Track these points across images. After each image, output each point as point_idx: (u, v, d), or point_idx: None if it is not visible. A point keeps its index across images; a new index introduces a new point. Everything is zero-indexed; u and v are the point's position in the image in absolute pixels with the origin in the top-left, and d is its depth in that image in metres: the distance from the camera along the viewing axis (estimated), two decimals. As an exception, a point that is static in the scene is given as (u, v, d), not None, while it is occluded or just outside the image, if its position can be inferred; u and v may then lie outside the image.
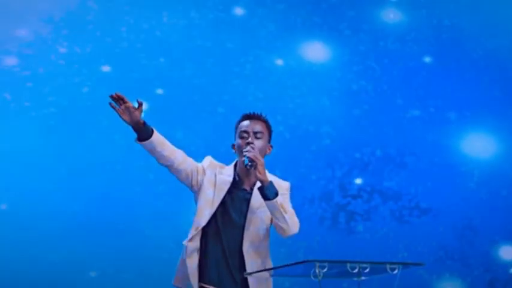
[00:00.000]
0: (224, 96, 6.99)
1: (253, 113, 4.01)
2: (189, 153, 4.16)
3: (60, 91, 6.76)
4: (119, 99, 3.75)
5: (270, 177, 3.91)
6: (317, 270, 3.49)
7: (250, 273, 3.78)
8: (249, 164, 3.76)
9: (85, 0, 6.93)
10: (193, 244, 3.91)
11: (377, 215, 7.14)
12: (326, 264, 3.72)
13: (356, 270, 3.78)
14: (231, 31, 7.15)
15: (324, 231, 7.03)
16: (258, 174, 3.73)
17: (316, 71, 7.25)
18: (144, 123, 3.78)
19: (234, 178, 3.93)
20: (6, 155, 6.59)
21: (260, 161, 3.75)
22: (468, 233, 7.15)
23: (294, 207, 4.08)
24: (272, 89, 7.10)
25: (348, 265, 3.70)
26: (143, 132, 3.79)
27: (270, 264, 3.93)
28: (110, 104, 3.77)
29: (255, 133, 3.92)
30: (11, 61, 6.74)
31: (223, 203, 3.87)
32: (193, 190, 4.00)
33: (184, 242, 3.94)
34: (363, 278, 4.36)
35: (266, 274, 3.79)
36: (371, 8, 7.41)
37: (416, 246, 7.11)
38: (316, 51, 7.28)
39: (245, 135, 3.93)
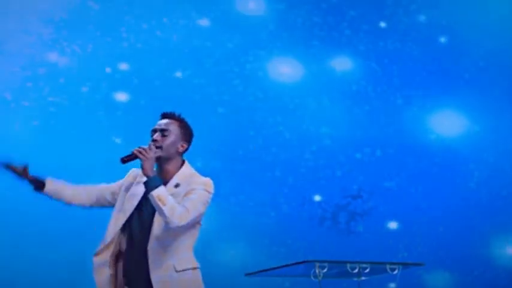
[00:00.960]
0: (224, 96, 6.98)
1: (166, 112, 4.06)
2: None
3: (60, 91, 6.76)
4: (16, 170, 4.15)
5: (192, 173, 3.91)
6: (317, 271, 3.49)
7: (250, 274, 3.76)
8: (124, 158, 3.82)
9: (85, 0, 6.93)
10: (101, 259, 3.97)
11: (377, 215, 7.14)
12: (326, 264, 3.73)
13: (356, 271, 3.79)
14: (231, 31, 7.15)
15: (324, 231, 7.03)
16: (143, 170, 3.75)
17: (316, 71, 7.25)
18: (36, 178, 4.17)
19: None
20: (6, 155, 6.57)
21: (145, 157, 3.78)
22: (468, 233, 7.14)
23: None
24: (272, 89, 7.09)
25: (348, 265, 3.70)
26: (36, 185, 4.16)
27: (187, 262, 3.84)
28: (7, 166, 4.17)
29: (162, 131, 3.96)
30: (11, 61, 6.74)
31: (137, 208, 3.89)
32: None
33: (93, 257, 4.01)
34: (363, 278, 4.36)
35: (175, 275, 3.74)
36: (371, 8, 7.41)
37: (416, 246, 7.10)
38: (316, 51, 7.28)
39: (153, 133, 3.97)
